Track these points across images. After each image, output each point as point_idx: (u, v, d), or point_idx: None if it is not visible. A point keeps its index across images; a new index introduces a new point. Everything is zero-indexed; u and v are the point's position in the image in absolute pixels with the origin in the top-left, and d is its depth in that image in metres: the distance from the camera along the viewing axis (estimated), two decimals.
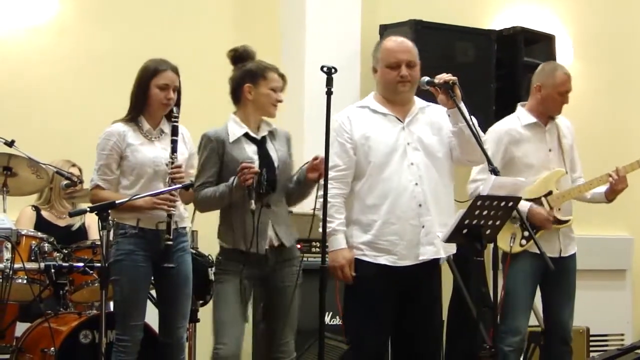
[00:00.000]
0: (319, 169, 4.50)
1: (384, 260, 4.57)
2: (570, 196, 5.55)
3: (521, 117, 5.61)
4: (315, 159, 4.53)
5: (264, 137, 4.68)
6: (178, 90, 4.91)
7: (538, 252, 5.26)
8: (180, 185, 4.72)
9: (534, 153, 5.52)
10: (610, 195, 5.60)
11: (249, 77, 4.64)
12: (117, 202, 4.63)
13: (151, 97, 4.86)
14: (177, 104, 4.91)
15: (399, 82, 4.62)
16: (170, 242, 4.74)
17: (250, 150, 4.61)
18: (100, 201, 4.72)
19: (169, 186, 4.74)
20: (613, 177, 5.49)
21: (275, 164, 4.63)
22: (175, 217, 4.82)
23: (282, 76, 4.71)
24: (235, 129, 4.62)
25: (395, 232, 4.56)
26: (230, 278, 4.58)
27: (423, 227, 4.57)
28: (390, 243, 4.56)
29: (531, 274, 5.44)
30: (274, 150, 4.67)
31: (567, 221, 5.54)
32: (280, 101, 4.69)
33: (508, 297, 5.26)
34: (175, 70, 4.89)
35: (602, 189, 5.60)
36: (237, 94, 4.69)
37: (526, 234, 5.37)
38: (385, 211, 4.56)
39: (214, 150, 4.59)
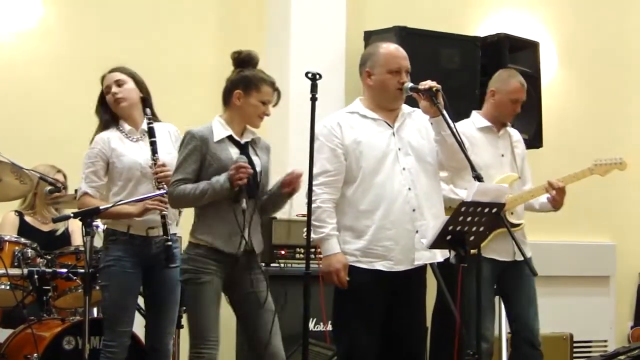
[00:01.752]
0: (292, 184, 4.55)
1: (379, 265, 4.56)
2: (522, 199, 5.61)
3: (475, 121, 5.68)
4: (289, 174, 4.56)
5: (247, 143, 4.68)
6: (146, 90, 4.97)
7: (489, 257, 5.41)
8: (165, 191, 4.71)
9: (486, 156, 5.56)
10: (555, 205, 5.64)
11: (243, 84, 4.63)
12: (101, 207, 4.64)
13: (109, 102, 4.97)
14: (149, 105, 4.95)
15: (398, 88, 4.62)
16: (170, 243, 4.74)
17: (234, 152, 4.60)
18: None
19: (156, 186, 4.76)
20: (549, 191, 5.56)
21: (258, 170, 4.63)
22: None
23: (276, 91, 4.67)
24: (220, 130, 4.61)
25: (391, 237, 4.55)
26: (209, 278, 4.52)
27: (417, 232, 4.58)
28: (385, 248, 4.56)
29: (485, 278, 5.45)
30: (256, 157, 4.66)
31: (519, 225, 5.58)
32: (267, 114, 4.66)
33: (469, 304, 5.23)
34: (115, 70, 4.96)
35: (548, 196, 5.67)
36: (227, 97, 4.68)
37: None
38: (379, 217, 4.56)
39: (197, 148, 4.55)
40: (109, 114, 4.96)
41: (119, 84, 4.93)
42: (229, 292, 4.65)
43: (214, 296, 4.53)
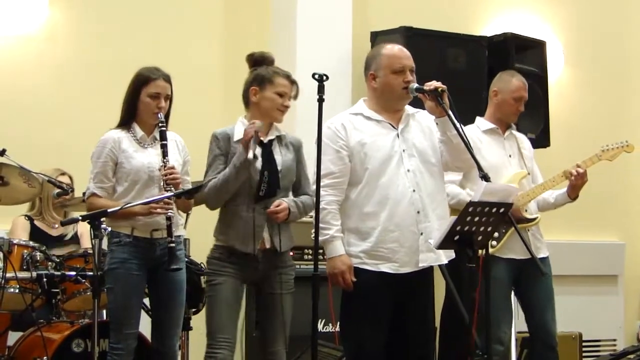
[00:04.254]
0: (274, 218, 4.62)
1: (385, 268, 4.55)
2: (535, 194, 5.60)
3: (480, 125, 5.71)
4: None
5: (270, 141, 4.70)
6: (170, 99, 4.92)
7: (507, 257, 5.43)
8: (172, 193, 4.71)
9: (494, 157, 5.57)
10: (573, 193, 5.62)
11: (257, 80, 4.72)
12: (109, 210, 4.63)
13: (142, 105, 4.87)
14: (167, 111, 4.92)
15: (404, 88, 4.62)
16: (173, 244, 4.73)
17: (255, 151, 4.62)
18: (96, 210, 4.72)
19: (164, 189, 4.75)
20: (573, 173, 5.52)
21: (279, 168, 4.66)
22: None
23: (293, 82, 4.75)
24: (241, 129, 4.66)
25: (395, 239, 4.55)
26: (222, 280, 4.60)
27: (422, 234, 4.57)
28: (390, 250, 4.55)
29: (503, 280, 5.44)
30: (279, 155, 4.70)
31: (535, 219, 5.57)
32: (287, 107, 4.72)
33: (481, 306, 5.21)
34: (167, 78, 4.90)
35: (563, 189, 5.65)
36: (245, 97, 4.77)
37: (496, 235, 5.38)
38: (384, 218, 4.55)
39: (221, 149, 4.67)
40: (131, 112, 4.91)
41: (167, 98, 4.89)
42: (256, 295, 4.73)
43: (228, 297, 4.58)
